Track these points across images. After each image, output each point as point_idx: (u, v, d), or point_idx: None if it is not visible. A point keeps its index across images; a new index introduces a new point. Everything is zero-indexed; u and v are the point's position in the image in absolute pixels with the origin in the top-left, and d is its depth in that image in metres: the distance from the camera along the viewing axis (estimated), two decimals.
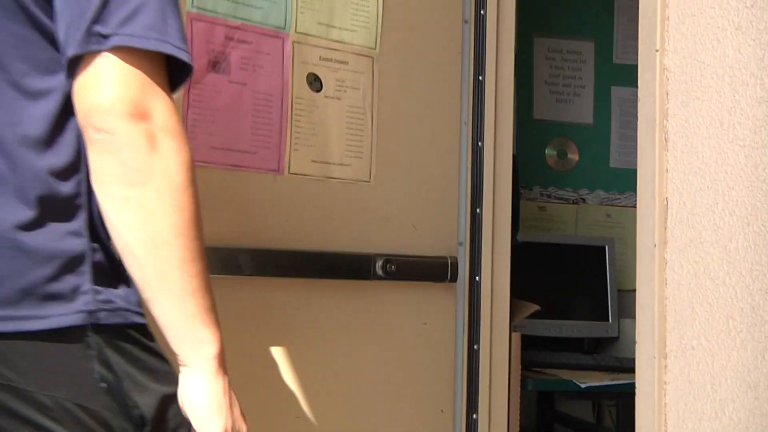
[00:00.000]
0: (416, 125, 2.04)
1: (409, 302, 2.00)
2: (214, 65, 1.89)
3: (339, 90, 1.95)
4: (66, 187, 1.05)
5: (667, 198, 0.99)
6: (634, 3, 1.18)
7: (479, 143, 2.07)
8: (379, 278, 1.90)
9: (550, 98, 2.99)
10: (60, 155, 1.05)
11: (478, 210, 2.05)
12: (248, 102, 1.92)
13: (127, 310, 1.06)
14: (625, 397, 1.18)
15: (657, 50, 1.01)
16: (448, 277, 2.02)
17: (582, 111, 3.01)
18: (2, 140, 1.03)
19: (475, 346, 2.03)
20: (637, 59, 1.11)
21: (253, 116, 1.91)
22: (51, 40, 1.04)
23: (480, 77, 2.08)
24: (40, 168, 1.03)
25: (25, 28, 1.05)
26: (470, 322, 2.03)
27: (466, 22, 2.10)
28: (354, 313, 1.91)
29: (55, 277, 1.02)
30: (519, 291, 2.14)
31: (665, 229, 0.99)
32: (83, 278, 1.03)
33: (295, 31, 1.95)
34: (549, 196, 2.97)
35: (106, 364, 1.03)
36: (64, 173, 1.05)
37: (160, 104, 1.01)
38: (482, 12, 2.09)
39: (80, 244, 1.04)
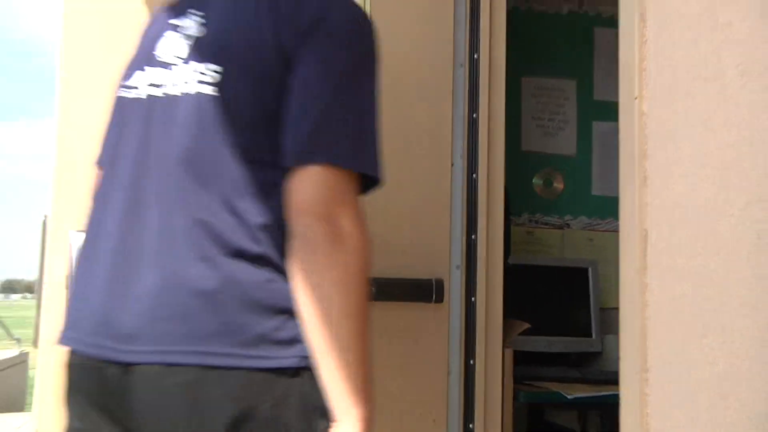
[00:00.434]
0: (410, 160, 2.06)
1: (399, 322, 2.00)
2: None
3: None
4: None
5: (646, 229, 1.00)
6: (611, 45, 1.19)
7: (473, 175, 2.09)
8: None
9: (537, 132, 3.01)
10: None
11: (473, 236, 2.07)
12: None
13: None
14: (609, 408, 1.19)
15: (636, 98, 1.03)
16: (434, 298, 2.03)
17: (566, 143, 3.03)
18: (249, 226, 1.18)
19: (471, 362, 2.04)
20: (615, 96, 1.13)
21: None
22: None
23: (474, 115, 2.11)
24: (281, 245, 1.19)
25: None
26: (467, 339, 2.04)
27: (461, 65, 2.12)
28: None
29: (281, 328, 1.15)
30: (511, 310, 2.15)
31: (645, 257, 1.00)
32: (297, 330, 1.15)
33: None
34: (536, 221, 2.98)
35: (312, 395, 1.16)
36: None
37: (348, 211, 1.16)
38: (476, 56, 2.11)
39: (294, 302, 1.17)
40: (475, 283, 2.06)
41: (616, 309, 1.10)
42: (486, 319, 2.06)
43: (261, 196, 1.20)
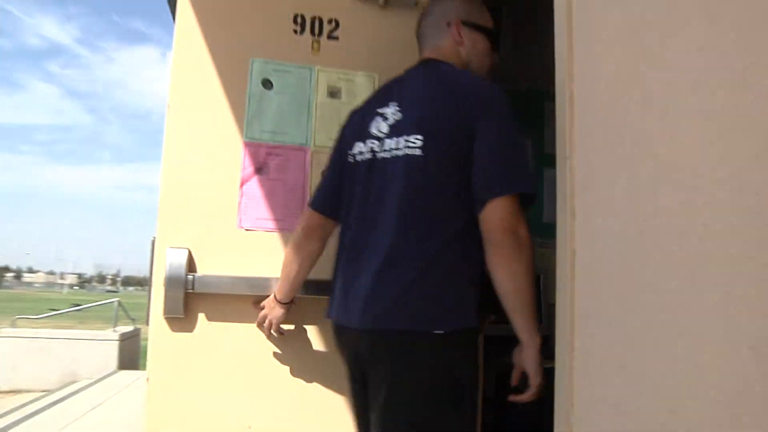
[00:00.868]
0: None
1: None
2: (259, 170, 1.95)
3: None
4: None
5: (574, 249, 1.01)
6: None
7: None
8: None
9: None
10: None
11: None
12: (280, 191, 1.96)
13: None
14: (547, 371, 1.22)
15: (567, 157, 1.04)
16: None
17: None
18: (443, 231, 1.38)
19: None
20: None
21: (284, 199, 1.95)
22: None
23: None
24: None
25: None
26: None
27: None
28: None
29: (466, 297, 1.39)
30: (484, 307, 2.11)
31: (574, 268, 1.01)
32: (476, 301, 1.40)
33: (314, 145, 1.98)
34: None
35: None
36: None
37: (523, 224, 1.37)
38: None
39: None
40: None
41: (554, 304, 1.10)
42: None
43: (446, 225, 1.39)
